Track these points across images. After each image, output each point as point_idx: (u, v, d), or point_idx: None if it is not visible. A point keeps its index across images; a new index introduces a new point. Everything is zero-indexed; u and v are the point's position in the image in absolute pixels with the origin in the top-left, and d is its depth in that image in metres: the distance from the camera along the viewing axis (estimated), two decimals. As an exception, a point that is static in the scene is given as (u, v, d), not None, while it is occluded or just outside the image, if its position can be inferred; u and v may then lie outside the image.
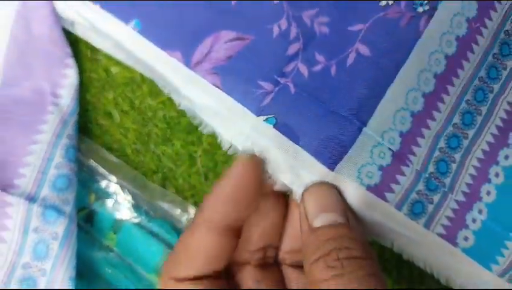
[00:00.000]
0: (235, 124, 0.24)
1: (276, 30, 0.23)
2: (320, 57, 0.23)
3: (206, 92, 0.24)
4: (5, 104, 0.27)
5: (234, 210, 0.20)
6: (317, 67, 0.23)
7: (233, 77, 0.23)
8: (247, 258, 0.23)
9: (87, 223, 0.31)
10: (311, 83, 0.23)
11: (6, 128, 0.27)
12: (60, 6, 0.28)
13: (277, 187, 0.23)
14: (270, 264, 0.24)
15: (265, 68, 0.23)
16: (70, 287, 0.27)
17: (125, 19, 0.25)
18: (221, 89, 0.23)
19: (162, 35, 0.25)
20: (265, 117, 0.23)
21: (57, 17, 0.28)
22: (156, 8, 0.25)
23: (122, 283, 0.31)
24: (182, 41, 0.24)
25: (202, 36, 0.24)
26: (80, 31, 0.29)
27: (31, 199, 0.27)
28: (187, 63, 0.24)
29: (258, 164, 0.20)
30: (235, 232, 0.21)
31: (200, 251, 0.20)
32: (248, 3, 0.24)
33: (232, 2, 0.24)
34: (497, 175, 0.24)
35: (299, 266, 0.23)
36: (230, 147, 0.24)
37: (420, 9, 0.23)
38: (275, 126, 0.22)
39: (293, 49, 0.23)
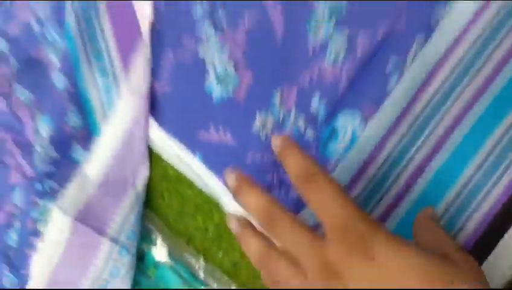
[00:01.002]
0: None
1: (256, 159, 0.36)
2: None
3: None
4: (108, 183, 0.40)
5: None
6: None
7: None
8: None
9: (139, 260, 0.40)
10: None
11: (106, 196, 0.39)
12: (152, 136, 0.39)
13: None
14: None
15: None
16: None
17: (193, 151, 0.38)
18: None
19: (216, 169, 0.37)
20: None
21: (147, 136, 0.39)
22: (213, 146, 0.37)
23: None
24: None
25: None
26: (159, 150, 0.39)
27: (114, 241, 0.39)
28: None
29: None
30: None
31: None
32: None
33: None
34: None
35: None
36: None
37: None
38: None
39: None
